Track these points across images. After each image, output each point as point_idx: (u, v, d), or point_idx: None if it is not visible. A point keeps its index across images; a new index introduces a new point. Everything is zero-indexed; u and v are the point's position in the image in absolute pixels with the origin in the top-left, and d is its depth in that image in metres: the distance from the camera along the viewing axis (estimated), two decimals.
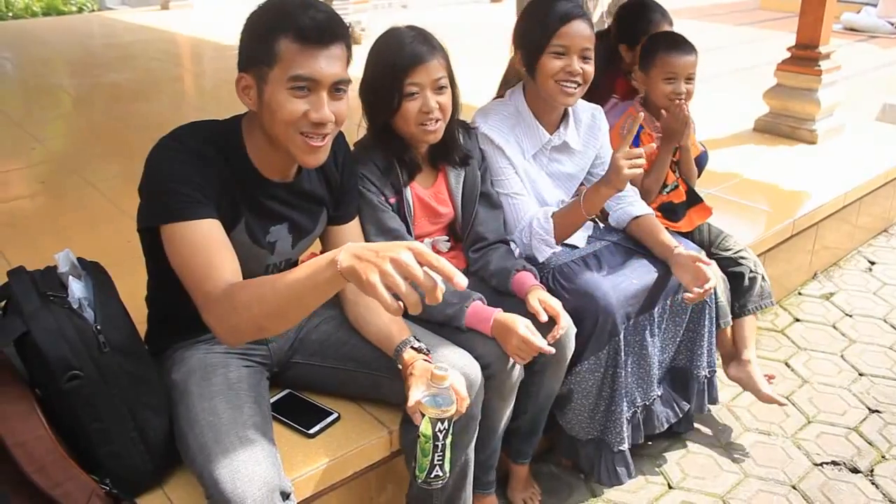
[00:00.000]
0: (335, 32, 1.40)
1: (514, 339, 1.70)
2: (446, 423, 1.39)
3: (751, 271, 2.41)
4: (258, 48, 1.40)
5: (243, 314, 1.28)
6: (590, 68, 1.94)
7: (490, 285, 1.94)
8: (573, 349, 1.90)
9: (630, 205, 2.20)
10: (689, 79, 2.31)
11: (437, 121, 1.77)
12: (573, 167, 2.18)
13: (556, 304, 1.81)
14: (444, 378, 1.37)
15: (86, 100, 5.40)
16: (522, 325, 1.70)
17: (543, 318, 1.77)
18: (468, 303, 1.77)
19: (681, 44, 2.32)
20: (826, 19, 3.94)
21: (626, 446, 2.06)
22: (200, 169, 1.44)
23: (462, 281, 1.11)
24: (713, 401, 2.30)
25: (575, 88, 1.94)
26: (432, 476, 1.42)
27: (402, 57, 1.72)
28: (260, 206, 1.56)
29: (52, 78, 6.07)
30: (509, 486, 2.08)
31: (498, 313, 1.75)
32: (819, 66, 3.96)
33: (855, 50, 7.36)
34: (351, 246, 1.17)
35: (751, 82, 5.17)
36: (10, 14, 9.74)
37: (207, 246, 1.39)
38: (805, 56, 4.01)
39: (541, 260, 2.02)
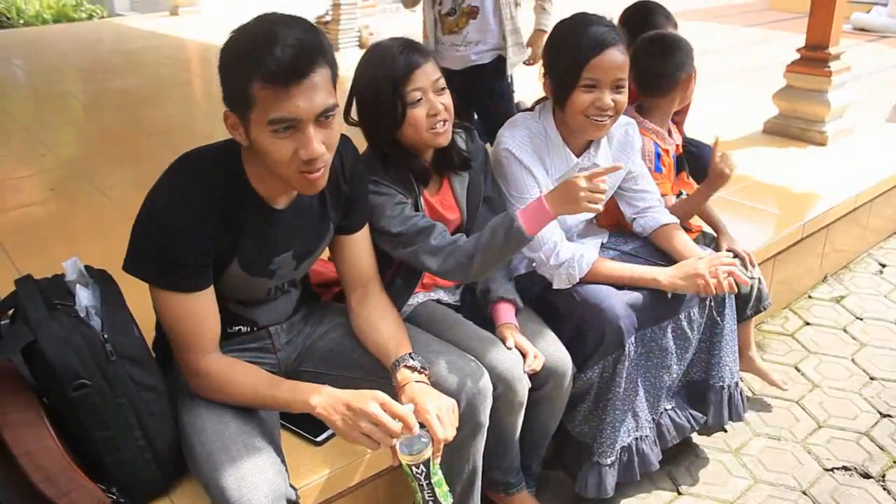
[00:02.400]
0: (307, 63, 1.30)
1: (579, 190, 1.60)
2: (422, 467, 1.40)
3: (748, 277, 2.38)
4: (233, 91, 1.34)
5: (222, 396, 1.50)
6: (622, 98, 1.86)
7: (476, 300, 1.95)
8: (570, 389, 1.92)
9: (658, 211, 2.17)
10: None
11: (444, 122, 1.76)
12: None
13: (527, 346, 1.79)
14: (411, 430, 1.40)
15: (95, 106, 5.43)
16: (582, 179, 1.61)
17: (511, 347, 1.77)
18: (514, 215, 1.64)
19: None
20: (836, 19, 3.91)
21: (607, 461, 1.95)
22: (201, 225, 1.41)
23: (415, 427, 1.39)
24: (738, 417, 2.18)
25: (606, 121, 1.87)
26: None
27: (397, 67, 1.70)
28: (264, 238, 1.53)
29: (63, 84, 6.12)
30: None
31: (544, 195, 1.66)
32: (829, 66, 3.93)
33: (865, 50, 7.31)
34: (327, 392, 1.43)
35: (760, 84, 5.14)
36: (22, 21, 9.82)
37: (194, 316, 1.47)
38: (815, 57, 3.98)
39: (554, 287, 1.98)
